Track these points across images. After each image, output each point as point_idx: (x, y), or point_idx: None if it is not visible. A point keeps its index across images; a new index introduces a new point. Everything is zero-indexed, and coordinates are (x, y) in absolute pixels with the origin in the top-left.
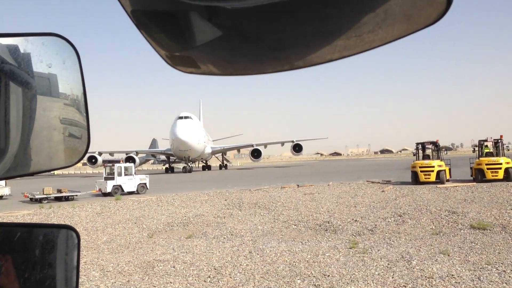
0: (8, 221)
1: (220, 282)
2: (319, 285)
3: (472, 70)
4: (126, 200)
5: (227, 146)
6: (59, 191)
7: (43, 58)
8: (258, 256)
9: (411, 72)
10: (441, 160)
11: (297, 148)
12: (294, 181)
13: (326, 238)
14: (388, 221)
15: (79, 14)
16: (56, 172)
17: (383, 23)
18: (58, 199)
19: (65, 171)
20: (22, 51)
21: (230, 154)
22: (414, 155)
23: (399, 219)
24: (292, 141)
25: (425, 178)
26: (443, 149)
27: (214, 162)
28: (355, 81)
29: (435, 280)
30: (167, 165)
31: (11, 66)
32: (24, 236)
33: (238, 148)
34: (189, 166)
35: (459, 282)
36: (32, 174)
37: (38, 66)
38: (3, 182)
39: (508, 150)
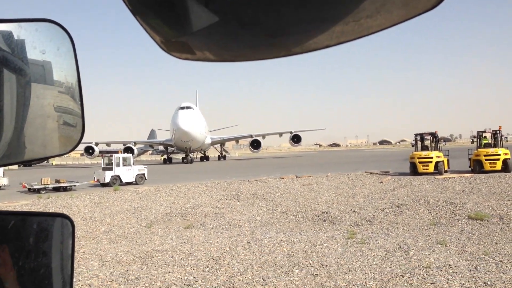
0: (2, 209)
1: (218, 272)
2: (317, 274)
3: (471, 62)
4: (125, 190)
5: (226, 136)
6: (57, 181)
7: (37, 45)
8: (256, 246)
9: (410, 63)
10: (440, 151)
11: (296, 139)
12: (292, 172)
13: (324, 228)
14: (386, 212)
15: (74, 1)
16: (54, 162)
17: (381, 8)
18: (56, 189)
19: (63, 162)
20: (15, 37)
21: (228, 145)
22: (412, 146)
23: (397, 210)
24: (291, 132)
25: (424, 169)
26: (442, 140)
27: (213, 153)
28: (355, 72)
29: (432, 270)
30: (165, 156)
31: (5, 52)
32: (18, 225)
33: (237, 139)
34: (190, 157)
35: (456, 272)
36: (26, 162)
37: (32, 52)
38: (1, 173)
39: (507, 141)
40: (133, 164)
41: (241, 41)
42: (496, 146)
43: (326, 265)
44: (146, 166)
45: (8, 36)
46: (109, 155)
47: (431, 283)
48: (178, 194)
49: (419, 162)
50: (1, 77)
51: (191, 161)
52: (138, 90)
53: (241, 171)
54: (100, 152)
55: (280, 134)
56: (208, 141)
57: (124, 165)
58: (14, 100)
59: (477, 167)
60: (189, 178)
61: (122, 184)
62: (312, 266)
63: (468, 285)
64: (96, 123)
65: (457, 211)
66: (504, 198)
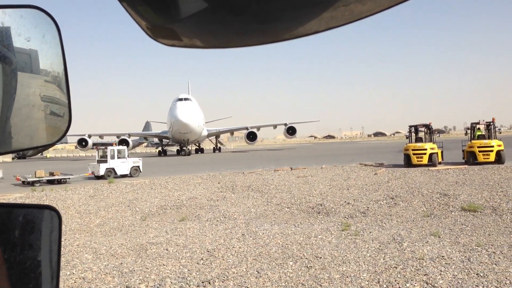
0: None
1: (213, 264)
2: (311, 266)
3: (465, 54)
4: (119, 183)
5: (222, 128)
6: (52, 174)
7: (22, 32)
8: (251, 238)
9: (405, 55)
10: (434, 143)
11: (291, 131)
12: (287, 164)
13: (318, 220)
14: (380, 204)
15: None
16: (48, 155)
17: None
18: (50, 182)
19: (57, 154)
20: (0, 24)
21: (223, 137)
22: (407, 138)
23: (391, 202)
24: (285, 124)
25: (418, 161)
26: (436, 132)
27: (207, 145)
28: (349, 64)
29: (425, 262)
30: (160, 148)
31: None
32: (4, 217)
33: (232, 131)
34: (188, 149)
35: (449, 263)
36: (13, 152)
37: (17, 40)
38: None
39: (500, 133)
40: (128, 156)
41: (230, 27)
42: (489, 137)
43: (320, 257)
44: (141, 158)
45: None
46: (103, 147)
47: (424, 275)
48: (173, 186)
49: (413, 154)
50: None
51: (189, 153)
52: (131, 82)
53: (236, 163)
54: (95, 144)
55: (275, 126)
56: (205, 133)
57: (118, 158)
58: (0, 89)
59: (470, 158)
60: (184, 170)
61: (116, 176)
62: (306, 258)
63: (461, 277)
64: (89, 116)
65: (450, 203)
66: (497, 189)
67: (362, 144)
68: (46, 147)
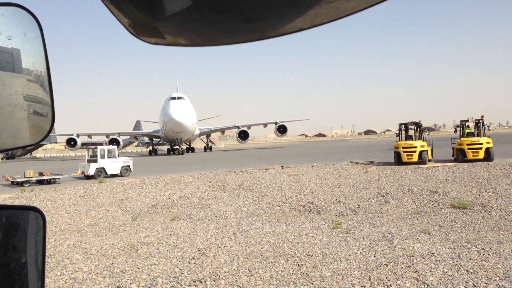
0: None
1: (204, 263)
2: (302, 265)
3: (454, 52)
4: (110, 182)
5: (214, 127)
6: (41, 174)
7: (3, 30)
8: (242, 237)
9: (395, 52)
10: (424, 141)
11: (282, 130)
12: (278, 163)
13: (309, 218)
14: (371, 202)
15: None
16: (37, 154)
17: None
18: (40, 182)
19: (47, 154)
20: None
21: (214, 136)
22: (397, 135)
23: (382, 199)
24: (276, 123)
25: (408, 159)
26: (426, 130)
27: (198, 144)
28: (340, 63)
29: (416, 259)
30: (150, 148)
31: None
32: None
33: (223, 130)
34: (181, 148)
35: (439, 260)
36: None
37: None
38: None
39: (489, 130)
40: (118, 156)
41: (215, 25)
42: (478, 135)
43: (312, 255)
44: (131, 158)
45: None
46: (93, 147)
47: (415, 272)
48: (164, 186)
49: (404, 152)
50: None
51: (182, 153)
52: (119, 81)
53: (227, 162)
54: (85, 144)
55: (265, 125)
56: (197, 132)
57: (109, 157)
58: None
59: (460, 156)
60: (175, 169)
61: (107, 176)
62: (297, 257)
63: (451, 273)
64: (77, 115)
65: (440, 200)
66: (486, 186)
67: (352, 142)
68: (30, 147)
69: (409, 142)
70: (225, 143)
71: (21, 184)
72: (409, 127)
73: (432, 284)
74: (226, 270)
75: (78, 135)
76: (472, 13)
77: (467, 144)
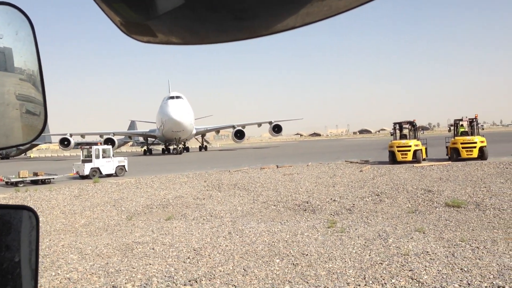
0: None
1: (199, 263)
2: (297, 264)
3: (449, 51)
4: (105, 182)
5: (210, 127)
6: (36, 174)
7: None
8: (238, 236)
9: (390, 52)
10: (418, 140)
11: (277, 129)
12: (273, 162)
13: (305, 218)
14: (366, 201)
15: None
16: (32, 155)
17: None
18: (34, 182)
19: (41, 154)
20: None
21: (209, 136)
22: (391, 135)
23: (377, 198)
24: (270, 122)
25: (402, 158)
26: (420, 129)
27: (193, 144)
28: (334, 62)
29: (410, 257)
30: (145, 147)
31: None
32: None
33: (218, 129)
34: (179, 147)
35: (433, 259)
36: None
37: None
38: None
39: (483, 129)
40: (113, 155)
41: (207, 24)
42: (472, 134)
43: (307, 254)
44: (126, 157)
45: None
46: (88, 147)
47: (409, 270)
48: (159, 185)
49: (398, 151)
50: None
51: (181, 152)
52: (111, 81)
53: (222, 161)
54: (79, 144)
55: (259, 124)
56: (194, 131)
57: (103, 157)
58: None
59: (454, 155)
60: (170, 169)
61: (102, 176)
62: (292, 256)
63: (445, 272)
64: (69, 116)
65: (434, 199)
66: (480, 185)
67: (347, 141)
68: (22, 146)
69: (403, 141)
70: (220, 143)
71: (15, 184)
72: (404, 126)
73: (426, 283)
74: (221, 270)
75: (71, 135)
76: (467, 14)
77: (461, 143)
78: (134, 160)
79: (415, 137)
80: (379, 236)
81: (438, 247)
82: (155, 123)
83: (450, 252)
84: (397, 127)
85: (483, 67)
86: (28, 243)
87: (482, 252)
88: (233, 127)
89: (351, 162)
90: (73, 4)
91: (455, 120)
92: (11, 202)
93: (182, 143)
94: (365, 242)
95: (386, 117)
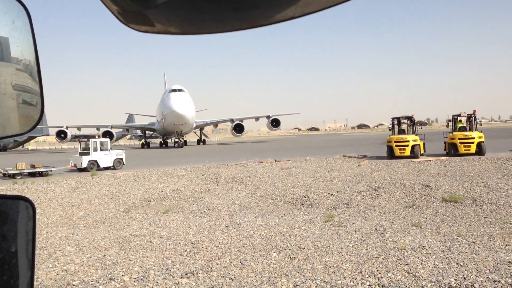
0: None
1: (196, 256)
2: (294, 257)
3: (447, 47)
4: (102, 175)
5: (209, 120)
6: (33, 166)
7: None
8: (235, 230)
9: (389, 47)
10: (416, 135)
11: (275, 123)
12: (271, 156)
13: (302, 212)
14: (363, 195)
15: None
16: (29, 147)
17: None
18: (32, 174)
19: (39, 146)
20: None
21: (207, 129)
22: (390, 130)
23: (374, 193)
24: (268, 116)
25: (400, 153)
26: (418, 124)
27: (191, 137)
28: (333, 57)
29: (407, 252)
30: (143, 141)
31: None
32: None
33: (217, 123)
34: (181, 140)
35: (430, 253)
36: None
37: None
38: None
39: (481, 124)
40: (111, 148)
41: (205, 14)
42: (470, 129)
43: (304, 248)
44: (124, 150)
45: None
46: (86, 139)
47: (406, 264)
48: (157, 178)
49: (396, 146)
50: None
51: (182, 145)
52: (108, 74)
53: (220, 155)
54: (77, 136)
55: (257, 118)
56: (194, 125)
57: (101, 150)
58: None
59: (452, 150)
60: (168, 162)
61: (99, 169)
62: (289, 249)
63: (442, 266)
64: (65, 108)
65: (432, 194)
66: (477, 180)
67: (345, 136)
68: (19, 136)
69: (401, 136)
70: (218, 136)
71: (13, 176)
72: (402, 121)
73: (422, 277)
74: (218, 263)
75: (67, 127)
76: (465, 9)
77: (459, 139)
78: (132, 153)
79: (413, 132)
80: (376, 231)
81: (435, 242)
82: (153, 116)
83: (446, 246)
84: (396, 122)
85: (483, 63)
86: (25, 233)
87: (479, 247)
88: (232, 120)
89: (349, 157)
90: None
91: (453, 116)
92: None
93: (182, 136)
94: (362, 236)
95: (384, 112)
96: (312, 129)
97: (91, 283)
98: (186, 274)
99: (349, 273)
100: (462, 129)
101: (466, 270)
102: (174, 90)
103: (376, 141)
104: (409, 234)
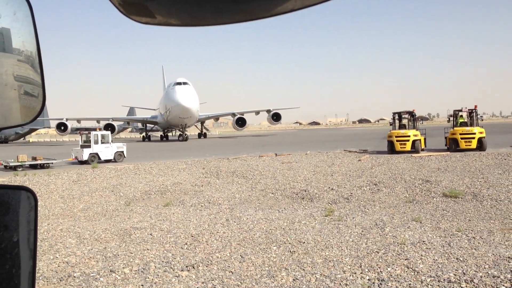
0: None
1: (197, 249)
2: (294, 251)
3: (449, 42)
4: (103, 168)
5: (211, 114)
6: (34, 158)
7: None
8: (235, 223)
9: (390, 42)
10: (417, 130)
11: (276, 117)
12: (272, 150)
13: (302, 206)
14: (364, 190)
15: None
16: (31, 139)
17: None
18: (33, 166)
19: (40, 139)
20: None
21: (208, 123)
22: (390, 124)
23: (374, 188)
24: (269, 110)
25: (401, 148)
26: (419, 119)
27: (192, 131)
28: (334, 52)
29: (406, 246)
30: (144, 134)
31: None
32: None
33: (218, 117)
34: (185, 134)
35: (429, 248)
36: None
37: None
38: None
39: (482, 120)
40: (112, 141)
41: (205, 6)
42: (471, 125)
43: (304, 242)
44: (125, 143)
45: None
46: (87, 132)
47: (405, 259)
48: (158, 172)
49: (397, 141)
50: None
51: (186, 139)
52: (106, 66)
53: (221, 149)
54: (78, 129)
55: (257, 112)
56: (198, 118)
57: (102, 143)
58: None
59: (453, 145)
60: (169, 156)
61: (100, 161)
62: (289, 243)
63: (441, 261)
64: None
65: (432, 189)
66: (478, 176)
67: (346, 130)
68: (21, 126)
69: (402, 131)
70: (219, 130)
71: (14, 168)
72: (403, 116)
73: (422, 272)
74: (219, 256)
75: (67, 119)
76: (467, 4)
77: (460, 134)
78: (133, 146)
79: (414, 127)
80: (376, 225)
81: (435, 237)
82: (155, 109)
83: (446, 241)
84: (397, 117)
85: (484, 58)
86: (27, 223)
87: (478, 242)
88: (233, 114)
89: (349, 152)
90: None
91: (454, 111)
92: None
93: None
94: (362, 231)
95: (386, 107)
96: (313, 124)
97: (92, 275)
98: (186, 267)
99: (349, 267)
100: (463, 124)
101: (465, 265)
102: (179, 83)
103: (377, 136)
104: (409, 229)
